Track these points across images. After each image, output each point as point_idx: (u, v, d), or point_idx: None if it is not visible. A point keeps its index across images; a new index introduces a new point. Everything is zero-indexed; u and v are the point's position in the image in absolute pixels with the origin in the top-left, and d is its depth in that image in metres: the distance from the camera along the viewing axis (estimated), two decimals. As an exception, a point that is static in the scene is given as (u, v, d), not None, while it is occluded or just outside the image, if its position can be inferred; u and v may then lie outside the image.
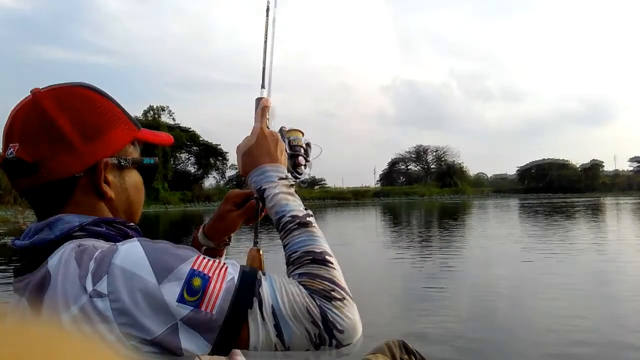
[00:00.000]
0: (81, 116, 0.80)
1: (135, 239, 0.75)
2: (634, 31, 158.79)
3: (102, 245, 0.75)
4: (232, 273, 0.74)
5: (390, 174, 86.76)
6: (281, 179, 0.96)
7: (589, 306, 5.19)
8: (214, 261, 0.75)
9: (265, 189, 0.94)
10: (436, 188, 74.45)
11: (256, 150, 0.99)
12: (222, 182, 68.05)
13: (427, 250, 10.71)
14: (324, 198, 62.16)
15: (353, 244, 12.32)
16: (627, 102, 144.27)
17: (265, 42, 1.19)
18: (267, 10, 1.20)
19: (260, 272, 0.77)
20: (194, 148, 62.54)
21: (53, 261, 0.73)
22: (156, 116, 57.59)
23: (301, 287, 0.77)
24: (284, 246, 0.88)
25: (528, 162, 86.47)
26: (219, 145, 64.25)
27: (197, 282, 0.70)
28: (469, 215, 26.01)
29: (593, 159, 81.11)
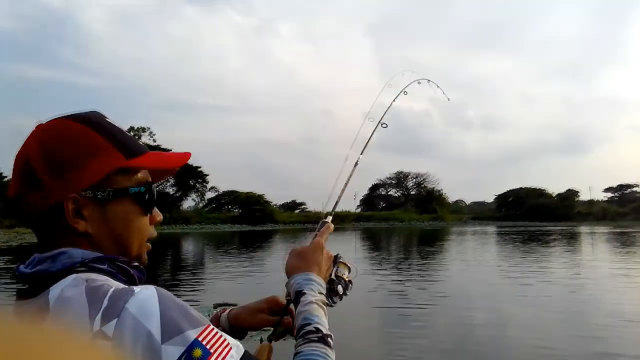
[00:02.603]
0: (54, 152, 0.80)
1: (153, 287, 0.74)
2: (609, 66, 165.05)
3: (112, 282, 0.75)
4: (234, 357, 0.73)
5: (371, 199, 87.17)
6: (321, 293, 1.03)
7: (563, 330, 5.25)
8: (220, 337, 0.74)
9: (305, 293, 1.01)
10: (416, 214, 74.95)
11: (310, 257, 1.10)
12: (201, 204, 67.46)
13: (407, 277, 10.72)
14: (304, 222, 62.00)
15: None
16: (602, 134, 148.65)
17: (346, 184, 1.45)
18: (356, 163, 1.50)
19: None
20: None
21: (54, 293, 0.73)
22: (136, 137, 56.96)
23: None
24: (297, 352, 0.91)
25: (506, 190, 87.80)
26: (200, 167, 63.93)
27: (197, 353, 0.69)
28: (447, 241, 26.19)
29: (569, 188, 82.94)
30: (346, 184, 1.45)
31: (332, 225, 1.26)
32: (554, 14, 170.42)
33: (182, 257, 18.79)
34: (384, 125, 1.63)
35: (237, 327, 1.20)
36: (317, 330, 0.93)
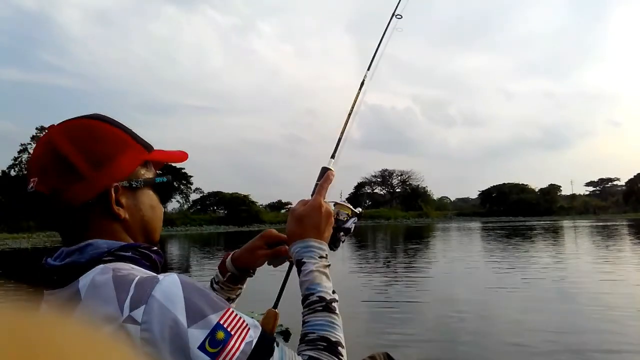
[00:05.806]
0: (89, 147, 0.85)
1: (175, 274, 0.80)
2: (588, 61, 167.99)
3: (138, 271, 0.82)
4: (252, 337, 0.79)
5: (356, 197, 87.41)
6: (321, 257, 1.04)
7: (549, 319, 5.31)
8: (240, 319, 0.80)
9: (304, 262, 1.02)
10: (401, 211, 75.41)
11: (308, 221, 1.08)
12: (186, 206, 66.94)
13: (396, 271, 10.75)
14: (290, 222, 61.66)
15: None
16: (583, 129, 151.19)
17: (350, 114, 1.34)
18: (362, 84, 1.40)
19: (275, 343, 0.82)
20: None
21: (84, 282, 0.79)
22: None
23: None
24: (304, 321, 0.95)
25: (489, 186, 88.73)
26: (183, 168, 63.40)
27: (220, 335, 0.75)
28: (433, 237, 26.37)
29: (551, 183, 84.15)
30: (351, 111, 1.34)
31: (333, 173, 1.19)
32: (533, 10, 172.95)
33: (167, 260, 18.60)
34: (398, 17, 1.56)
35: (242, 268, 1.28)
36: (321, 299, 0.96)
